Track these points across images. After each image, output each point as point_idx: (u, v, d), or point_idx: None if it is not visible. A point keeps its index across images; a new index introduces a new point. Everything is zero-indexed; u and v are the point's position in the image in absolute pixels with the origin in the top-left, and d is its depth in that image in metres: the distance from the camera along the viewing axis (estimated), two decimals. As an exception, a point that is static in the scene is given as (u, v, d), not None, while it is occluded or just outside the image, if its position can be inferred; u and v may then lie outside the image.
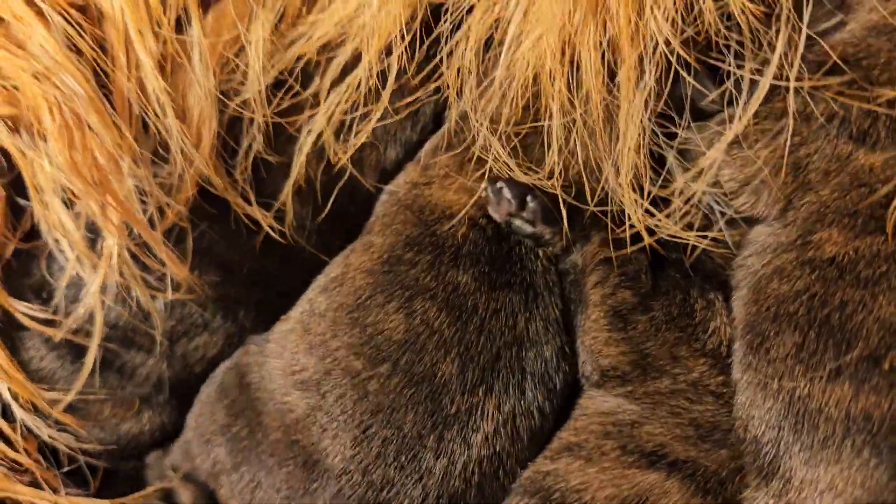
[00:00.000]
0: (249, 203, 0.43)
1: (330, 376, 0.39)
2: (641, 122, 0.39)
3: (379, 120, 0.43)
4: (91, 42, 0.41)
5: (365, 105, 0.43)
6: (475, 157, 0.40)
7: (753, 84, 0.40)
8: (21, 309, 0.41)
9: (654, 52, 0.38)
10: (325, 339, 0.40)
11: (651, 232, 0.40)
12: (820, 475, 0.35)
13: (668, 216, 0.39)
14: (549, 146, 0.39)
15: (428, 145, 0.43)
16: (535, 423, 0.39)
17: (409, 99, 0.44)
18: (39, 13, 0.41)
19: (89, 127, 0.40)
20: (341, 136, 0.44)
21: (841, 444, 0.35)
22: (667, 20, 0.37)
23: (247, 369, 0.41)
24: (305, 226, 0.44)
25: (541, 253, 0.40)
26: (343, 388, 0.38)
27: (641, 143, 0.40)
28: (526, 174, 0.39)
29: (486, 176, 0.40)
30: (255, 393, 0.41)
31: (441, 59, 0.40)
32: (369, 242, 0.42)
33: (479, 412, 0.38)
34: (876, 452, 0.35)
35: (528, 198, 0.39)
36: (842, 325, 0.36)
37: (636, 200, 0.39)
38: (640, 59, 0.39)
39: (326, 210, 0.44)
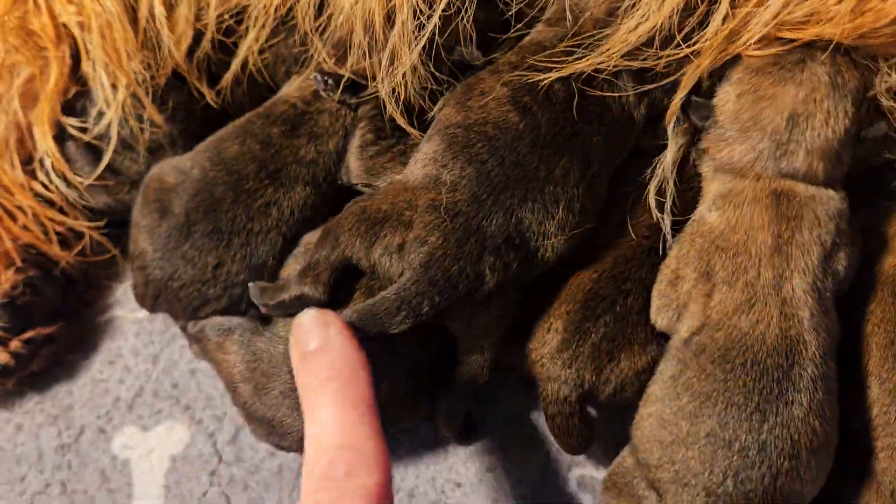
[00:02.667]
0: (201, 83, 0.77)
1: None
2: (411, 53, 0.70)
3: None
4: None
5: (274, 36, 0.77)
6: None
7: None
8: (69, 121, 0.76)
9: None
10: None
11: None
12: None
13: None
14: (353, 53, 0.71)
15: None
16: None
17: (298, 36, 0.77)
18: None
19: (112, 30, 0.74)
20: (260, 54, 0.78)
21: None
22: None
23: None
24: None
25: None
26: None
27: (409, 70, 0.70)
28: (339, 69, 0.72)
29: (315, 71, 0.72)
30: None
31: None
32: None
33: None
34: None
35: (330, 79, 0.70)
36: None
37: (395, 94, 0.70)
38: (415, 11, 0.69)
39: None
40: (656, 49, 0.64)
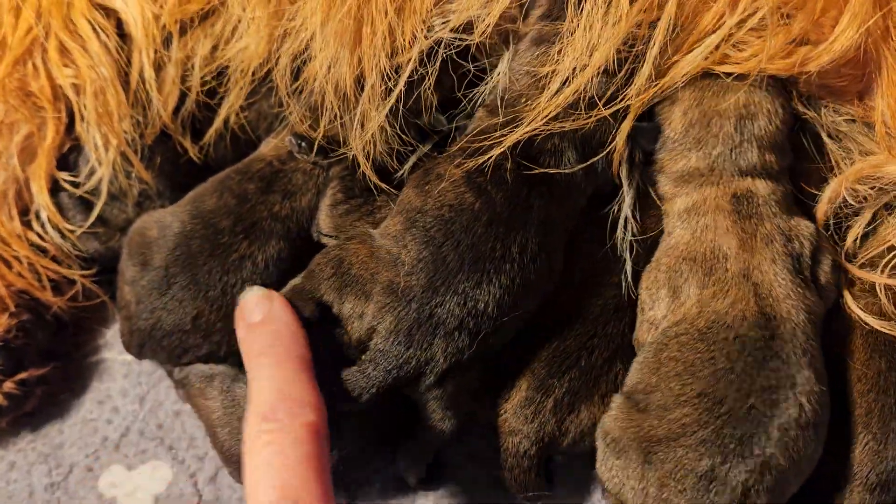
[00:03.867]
0: (185, 140, 0.82)
1: None
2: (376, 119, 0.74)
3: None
4: (120, 50, 0.81)
5: (255, 95, 0.81)
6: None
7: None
8: (63, 176, 0.81)
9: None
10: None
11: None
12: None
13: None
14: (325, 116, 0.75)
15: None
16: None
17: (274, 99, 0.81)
18: (97, 35, 0.81)
19: (106, 94, 0.79)
20: (243, 112, 0.82)
21: None
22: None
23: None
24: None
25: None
26: None
27: (377, 130, 0.74)
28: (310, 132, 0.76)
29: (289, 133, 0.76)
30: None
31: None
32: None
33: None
34: None
35: (303, 142, 0.74)
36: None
37: (365, 153, 0.74)
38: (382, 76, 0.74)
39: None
40: (582, 110, 0.68)
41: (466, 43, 0.71)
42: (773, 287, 0.65)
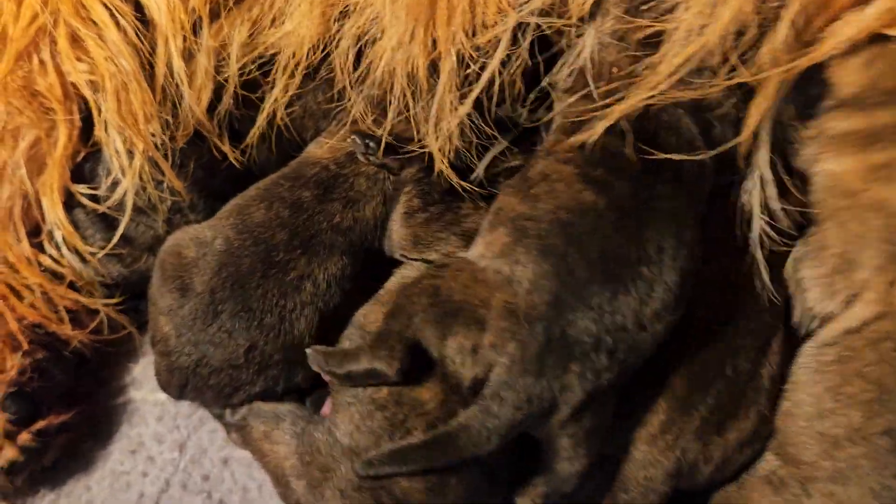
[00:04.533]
0: (223, 142, 0.70)
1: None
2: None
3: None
4: (142, 39, 0.69)
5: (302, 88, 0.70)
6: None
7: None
8: (80, 189, 0.69)
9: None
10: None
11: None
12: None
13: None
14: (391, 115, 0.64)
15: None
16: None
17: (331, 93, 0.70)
18: (115, 21, 0.69)
19: (129, 91, 0.67)
20: (287, 108, 0.71)
21: None
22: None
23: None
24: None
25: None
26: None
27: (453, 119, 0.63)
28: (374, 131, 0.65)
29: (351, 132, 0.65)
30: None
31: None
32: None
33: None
34: None
35: (371, 142, 0.63)
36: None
37: (440, 150, 0.63)
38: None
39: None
40: (711, 74, 0.57)
41: (558, 23, 0.60)
42: None
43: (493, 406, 0.53)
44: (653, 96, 0.57)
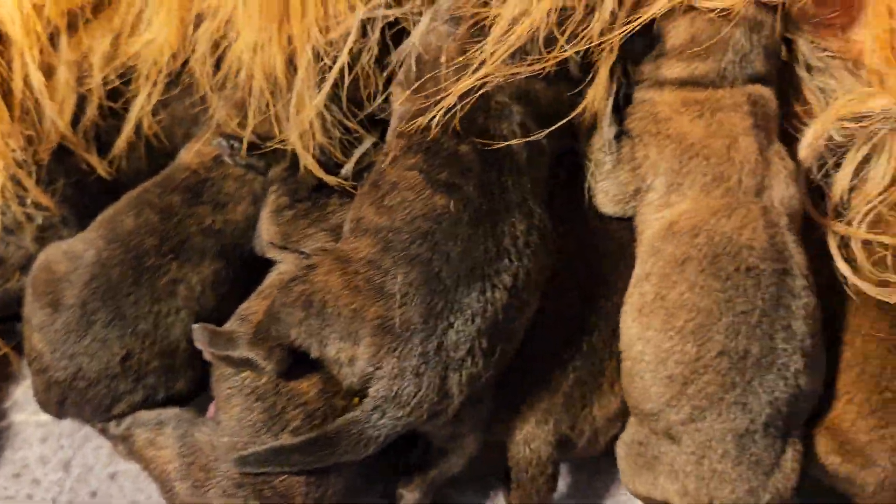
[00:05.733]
0: (91, 154, 0.70)
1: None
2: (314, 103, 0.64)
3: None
4: (-3, 55, 0.68)
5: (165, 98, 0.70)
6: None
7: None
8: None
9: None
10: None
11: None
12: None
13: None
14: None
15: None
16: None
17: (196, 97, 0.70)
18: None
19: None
20: (154, 117, 0.71)
21: None
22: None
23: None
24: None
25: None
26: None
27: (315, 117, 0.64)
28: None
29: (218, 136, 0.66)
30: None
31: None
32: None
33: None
34: None
35: (235, 143, 0.64)
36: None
37: (304, 146, 0.64)
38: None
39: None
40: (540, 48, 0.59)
41: (397, 12, 0.62)
42: (781, 216, 0.60)
43: (373, 416, 0.54)
44: (484, 82, 0.58)
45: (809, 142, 0.65)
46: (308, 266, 0.58)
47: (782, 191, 0.61)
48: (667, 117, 0.63)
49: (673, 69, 0.64)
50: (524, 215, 0.58)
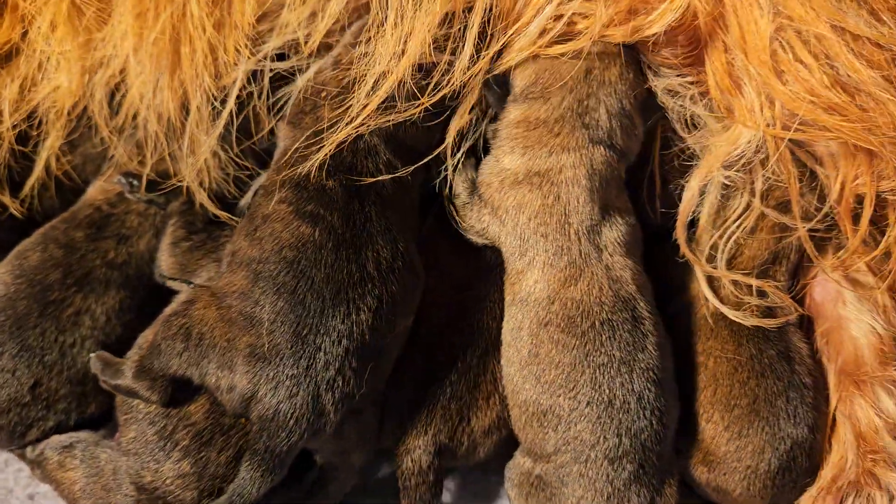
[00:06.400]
0: (3, 193, 0.74)
1: None
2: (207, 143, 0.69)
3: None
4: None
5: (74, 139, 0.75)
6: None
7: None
8: None
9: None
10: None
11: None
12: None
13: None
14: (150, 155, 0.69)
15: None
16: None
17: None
18: None
19: None
20: (66, 157, 0.75)
21: None
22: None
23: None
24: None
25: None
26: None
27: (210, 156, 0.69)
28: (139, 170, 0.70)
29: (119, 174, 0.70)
30: None
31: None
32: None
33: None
34: None
35: (134, 180, 0.68)
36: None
37: (200, 183, 0.68)
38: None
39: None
40: (401, 103, 0.64)
41: (285, 65, 0.67)
42: (623, 269, 0.64)
43: (263, 438, 0.58)
44: (359, 127, 0.63)
45: (694, 192, 0.68)
46: (187, 301, 0.62)
47: (617, 236, 0.65)
48: (509, 185, 0.66)
49: (517, 111, 0.67)
50: (388, 242, 0.62)
